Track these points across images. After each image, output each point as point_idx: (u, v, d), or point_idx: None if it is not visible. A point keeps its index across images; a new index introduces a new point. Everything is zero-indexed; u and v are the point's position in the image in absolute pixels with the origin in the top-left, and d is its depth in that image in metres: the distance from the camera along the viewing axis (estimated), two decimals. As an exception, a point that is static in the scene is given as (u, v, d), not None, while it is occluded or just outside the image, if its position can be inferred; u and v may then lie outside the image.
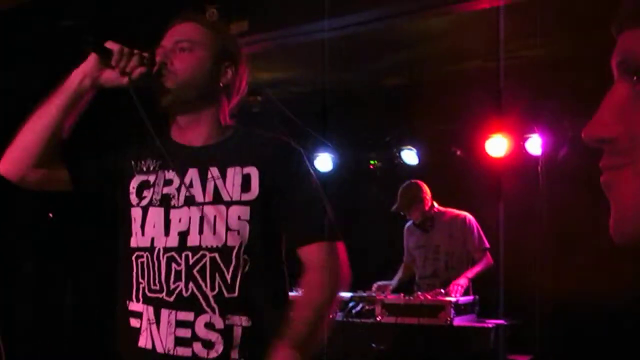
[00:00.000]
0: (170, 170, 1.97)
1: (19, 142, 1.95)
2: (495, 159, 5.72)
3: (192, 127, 2.02)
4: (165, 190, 1.96)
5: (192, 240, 1.90)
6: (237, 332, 1.88)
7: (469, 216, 5.32)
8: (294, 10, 4.83)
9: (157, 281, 1.90)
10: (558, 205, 5.40)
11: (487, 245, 5.26)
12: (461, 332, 4.63)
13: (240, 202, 1.92)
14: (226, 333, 1.87)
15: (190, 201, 1.93)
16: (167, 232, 1.92)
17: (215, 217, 1.90)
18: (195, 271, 1.87)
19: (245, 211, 1.91)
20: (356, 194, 6.75)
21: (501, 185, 5.52)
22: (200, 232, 1.90)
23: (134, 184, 2.01)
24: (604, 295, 4.86)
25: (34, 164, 1.94)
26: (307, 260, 1.97)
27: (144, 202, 1.97)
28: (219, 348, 1.86)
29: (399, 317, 4.74)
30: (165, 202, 1.95)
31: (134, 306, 1.94)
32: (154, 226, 1.93)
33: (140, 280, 1.93)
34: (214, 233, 1.89)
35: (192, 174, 1.96)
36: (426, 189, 5.35)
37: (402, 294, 5.05)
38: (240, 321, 1.88)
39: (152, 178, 1.99)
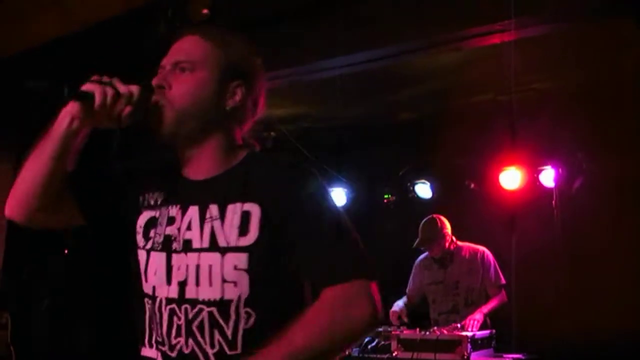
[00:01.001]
0: (174, 206, 1.75)
1: (19, 186, 1.76)
2: (509, 192, 5.71)
3: (196, 159, 1.75)
4: (168, 230, 1.74)
5: (190, 292, 1.68)
6: None
7: (486, 251, 5.28)
8: (307, 48, 4.89)
9: (160, 333, 1.71)
10: (573, 237, 5.38)
11: (504, 281, 5.21)
12: (478, 367, 4.60)
13: (236, 249, 1.65)
14: None
15: (187, 246, 1.70)
16: (168, 280, 1.71)
17: (210, 266, 1.66)
18: (194, 327, 1.66)
19: (241, 259, 1.64)
20: (370, 228, 6.75)
21: (515, 218, 5.50)
22: (197, 283, 1.67)
23: (141, 222, 1.81)
24: (622, 329, 4.82)
25: (38, 207, 1.74)
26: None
27: (148, 245, 1.77)
28: None
29: (415, 352, 4.70)
30: (167, 246, 1.73)
31: (147, 352, 1.76)
32: (155, 273, 1.73)
33: (152, 325, 1.74)
34: (210, 285, 1.65)
35: (192, 213, 1.72)
36: (447, 224, 5.31)
37: (417, 329, 5.01)
38: None
39: (157, 214, 1.78)
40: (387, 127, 6.48)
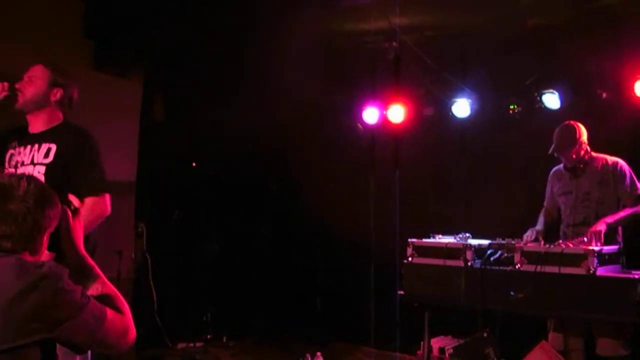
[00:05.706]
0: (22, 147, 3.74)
1: None
2: (645, 102, 5.41)
3: (33, 122, 3.80)
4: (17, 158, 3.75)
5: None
6: None
7: (621, 161, 5.06)
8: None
9: None
10: None
11: (640, 192, 5.00)
12: (604, 283, 4.44)
13: (40, 164, 3.63)
14: None
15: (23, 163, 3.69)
16: None
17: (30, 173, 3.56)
18: None
19: (41, 170, 3.62)
20: (495, 140, 6.60)
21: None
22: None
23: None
24: None
25: None
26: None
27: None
28: None
29: (539, 265, 4.63)
30: (15, 166, 3.69)
31: None
32: None
33: None
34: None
35: (34, 148, 3.68)
36: (584, 131, 5.11)
37: (542, 242, 4.91)
38: None
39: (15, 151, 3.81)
40: (514, 34, 6.22)
